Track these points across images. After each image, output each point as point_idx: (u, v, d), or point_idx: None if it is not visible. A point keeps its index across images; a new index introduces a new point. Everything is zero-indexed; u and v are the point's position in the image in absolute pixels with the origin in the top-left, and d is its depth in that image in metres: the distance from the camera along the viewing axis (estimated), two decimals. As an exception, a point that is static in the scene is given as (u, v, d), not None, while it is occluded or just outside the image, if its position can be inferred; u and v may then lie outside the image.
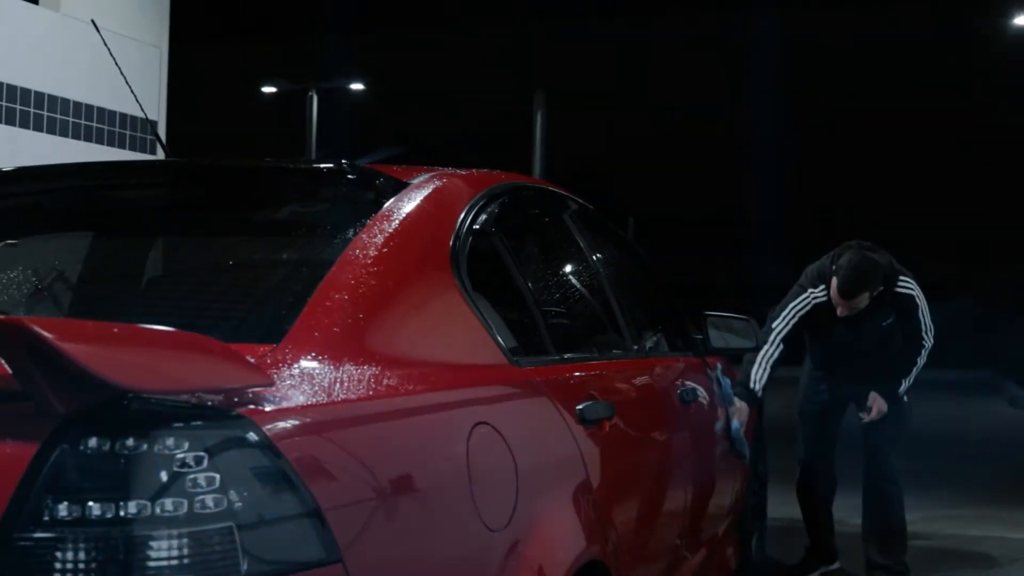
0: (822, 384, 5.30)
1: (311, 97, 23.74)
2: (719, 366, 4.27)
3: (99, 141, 7.33)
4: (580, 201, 3.62)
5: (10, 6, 6.69)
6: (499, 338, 2.40)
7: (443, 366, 2.17)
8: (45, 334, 1.42)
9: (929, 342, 5.09)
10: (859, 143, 35.30)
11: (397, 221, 2.32)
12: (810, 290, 5.03)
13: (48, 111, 6.92)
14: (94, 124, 7.28)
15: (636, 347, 3.41)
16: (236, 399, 1.64)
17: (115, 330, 1.57)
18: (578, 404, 2.57)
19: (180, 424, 1.56)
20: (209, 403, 1.61)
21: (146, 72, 7.74)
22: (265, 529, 1.58)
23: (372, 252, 2.19)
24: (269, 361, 1.80)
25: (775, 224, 33.80)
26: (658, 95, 34.82)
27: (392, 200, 2.40)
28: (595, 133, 34.26)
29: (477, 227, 2.57)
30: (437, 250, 2.38)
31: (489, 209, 2.69)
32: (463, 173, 2.83)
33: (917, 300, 5.02)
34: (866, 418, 5.13)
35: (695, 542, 3.66)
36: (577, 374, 2.76)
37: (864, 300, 4.86)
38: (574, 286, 3.27)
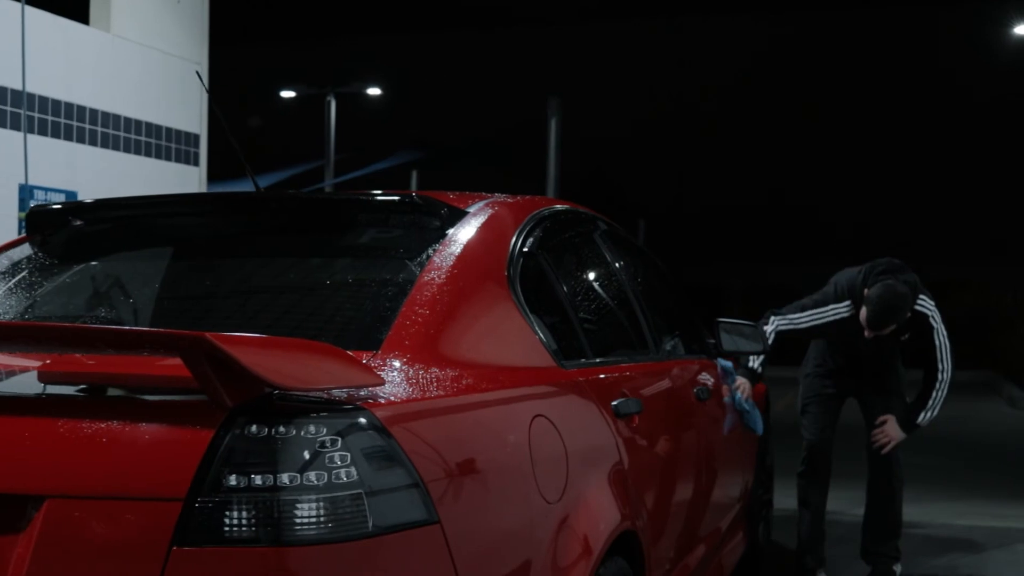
0: (827, 380, 5.52)
1: (329, 101, 24.16)
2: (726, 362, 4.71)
3: (147, 154, 7.79)
4: (607, 220, 4.08)
5: (64, 28, 7.16)
6: (547, 344, 2.86)
7: (505, 368, 2.63)
8: (221, 345, 1.87)
9: (943, 376, 5.19)
10: (868, 144, 35.57)
11: (461, 246, 2.78)
12: (833, 305, 5.17)
13: (101, 127, 7.37)
14: (143, 138, 7.73)
15: (658, 351, 3.86)
16: (357, 394, 2.10)
17: (269, 341, 2.03)
18: (613, 401, 3.03)
19: (317, 414, 2.01)
20: (338, 398, 2.06)
21: (188, 88, 8.20)
22: (384, 495, 2.02)
23: (444, 274, 2.64)
24: (374, 364, 2.26)
25: (786, 228, 34.15)
26: (670, 96, 35.17)
27: (455, 228, 2.86)
28: (608, 134, 34.60)
29: (526, 249, 3.03)
30: (495, 270, 2.84)
31: (535, 233, 3.15)
32: (511, 201, 3.28)
33: (932, 320, 5.13)
34: (878, 438, 5.29)
35: (709, 521, 4.12)
36: (611, 375, 3.21)
37: (891, 327, 5.03)
38: (605, 297, 3.73)
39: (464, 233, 2.85)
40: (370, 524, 1.99)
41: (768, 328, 5.18)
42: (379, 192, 3.00)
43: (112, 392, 2.16)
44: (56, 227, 3.22)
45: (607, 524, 2.73)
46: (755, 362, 5.07)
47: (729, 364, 4.75)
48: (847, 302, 5.13)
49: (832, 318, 5.17)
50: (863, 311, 5.01)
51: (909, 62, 35.07)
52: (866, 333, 5.04)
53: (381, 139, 30.25)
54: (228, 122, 3.27)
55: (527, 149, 19.80)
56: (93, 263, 3.12)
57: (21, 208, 6.77)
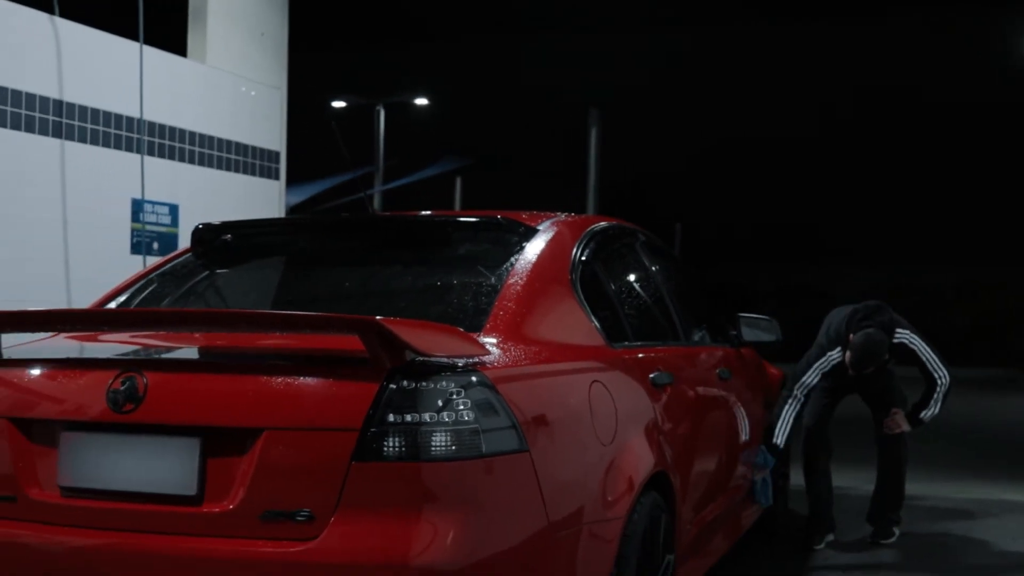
0: (826, 381, 6.19)
1: (378, 112, 25.16)
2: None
3: (236, 170, 8.78)
4: (646, 232, 5.01)
5: (169, 61, 8.15)
6: (600, 330, 3.77)
7: (570, 346, 3.55)
8: (386, 325, 2.79)
9: (942, 381, 5.97)
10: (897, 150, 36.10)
11: (536, 256, 3.71)
12: (828, 353, 6.03)
13: (199, 147, 8.36)
14: (232, 156, 8.72)
15: (687, 338, 4.78)
16: (472, 361, 3.01)
17: (414, 323, 2.95)
18: (650, 374, 3.95)
19: (447, 373, 2.93)
20: (460, 363, 2.98)
21: (271, 111, 9.20)
22: (491, 431, 2.93)
23: (523, 277, 3.57)
24: (480, 340, 3.18)
25: (816, 232, 34.78)
26: (709, 104, 35.88)
27: (530, 242, 3.79)
28: (648, 143, 35.34)
29: (583, 258, 3.95)
30: (561, 274, 3.76)
31: (590, 245, 4.08)
32: (570, 220, 4.20)
33: (910, 345, 5.95)
34: (889, 427, 6.12)
35: (729, 479, 5.03)
36: (648, 354, 4.12)
37: (871, 369, 5.92)
38: (643, 294, 4.65)
39: (537, 246, 3.78)
40: (483, 449, 2.90)
41: (795, 391, 6.01)
42: (474, 214, 3.95)
43: (307, 357, 3.09)
44: (215, 240, 4.18)
45: (645, 464, 3.64)
46: (780, 438, 5.95)
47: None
48: (838, 348, 6.00)
49: (831, 365, 6.04)
50: (847, 355, 5.90)
51: (956, 66, 35.53)
52: (849, 371, 5.95)
53: (425, 146, 31.21)
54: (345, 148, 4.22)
55: (568, 156, 20.65)
56: (256, 268, 4.09)
57: (134, 219, 7.76)
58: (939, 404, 6.04)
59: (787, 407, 5.97)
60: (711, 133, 36.24)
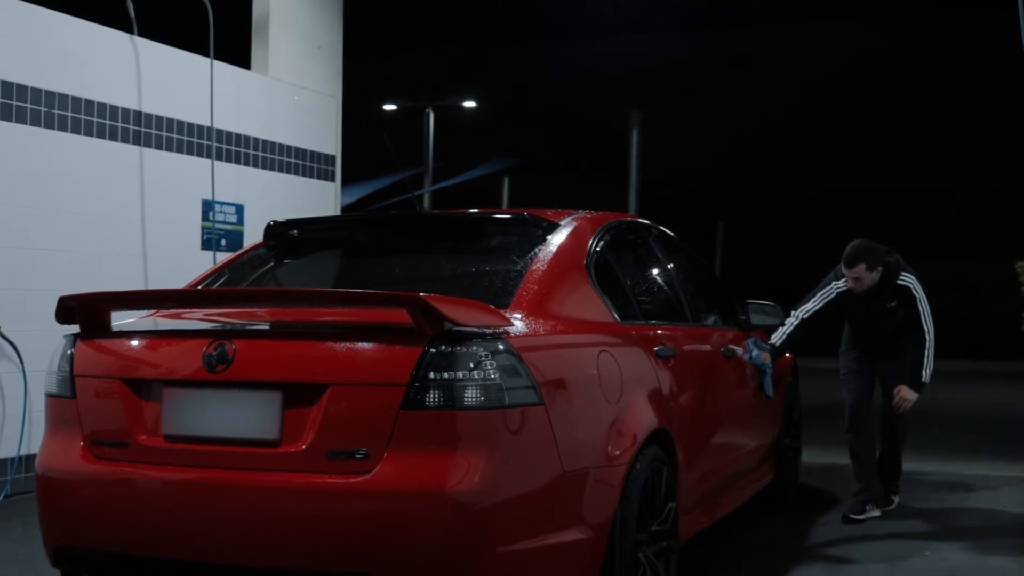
0: (853, 353, 6.94)
1: (428, 113, 25.91)
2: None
3: (295, 173, 9.53)
4: (660, 227, 5.68)
5: (235, 74, 8.92)
6: (610, 308, 4.45)
7: (582, 321, 4.23)
8: (428, 300, 3.48)
9: (929, 335, 6.47)
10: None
11: (556, 247, 4.39)
12: (833, 283, 6.67)
13: (262, 152, 9.11)
14: (292, 160, 9.47)
15: (693, 320, 5.45)
16: (499, 331, 3.70)
17: (451, 299, 3.64)
18: (655, 347, 4.62)
19: (478, 340, 3.61)
20: (488, 332, 3.66)
21: (327, 118, 9.95)
22: (513, 388, 3.61)
23: (544, 264, 4.25)
24: (505, 315, 3.86)
25: (863, 231, 34.99)
26: (752, 102, 36.29)
27: (552, 234, 4.48)
28: (691, 143, 35.80)
29: (598, 249, 4.63)
30: (577, 262, 4.44)
31: (605, 238, 4.76)
32: (589, 216, 4.87)
33: (914, 291, 6.52)
34: (895, 401, 6.60)
35: (730, 444, 5.68)
36: (654, 331, 4.79)
37: (863, 273, 6.40)
38: (652, 280, 5.32)
39: (558, 238, 4.47)
40: (506, 401, 3.58)
41: (794, 312, 6.69)
42: (505, 211, 4.65)
43: (363, 326, 3.78)
44: (284, 234, 4.91)
45: (647, 421, 4.32)
46: (778, 341, 6.59)
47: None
48: (843, 279, 6.59)
49: (834, 294, 6.64)
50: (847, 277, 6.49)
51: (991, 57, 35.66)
52: (850, 284, 6.49)
53: (474, 147, 31.94)
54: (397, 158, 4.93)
55: (612, 155, 21.27)
56: (319, 257, 4.83)
57: (204, 218, 8.53)
58: (932, 362, 6.51)
59: (788, 322, 6.60)
60: (759, 135, 36.63)
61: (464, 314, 3.61)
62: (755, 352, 6.08)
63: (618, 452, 4.06)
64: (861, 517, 6.64)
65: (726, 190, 36.06)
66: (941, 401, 13.80)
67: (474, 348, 3.58)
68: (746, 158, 36.96)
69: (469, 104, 28.01)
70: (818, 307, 6.71)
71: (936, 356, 6.59)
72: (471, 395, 3.54)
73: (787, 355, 7.16)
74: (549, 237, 4.48)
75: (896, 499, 6.99)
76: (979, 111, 35.72)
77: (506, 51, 35.47)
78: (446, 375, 3.54)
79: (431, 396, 3.53)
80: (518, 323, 3.84)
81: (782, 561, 5.57)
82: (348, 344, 3.65)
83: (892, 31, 35.91)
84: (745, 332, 6.20)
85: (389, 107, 27.65)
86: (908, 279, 6.60)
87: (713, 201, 33.09)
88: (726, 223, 27.65)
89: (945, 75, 35.93)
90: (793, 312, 6.69)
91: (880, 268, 6.50)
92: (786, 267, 34.49)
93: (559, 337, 4.01)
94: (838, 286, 6.69)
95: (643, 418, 4.31)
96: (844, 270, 6.53)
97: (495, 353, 3.60)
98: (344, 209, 12.65)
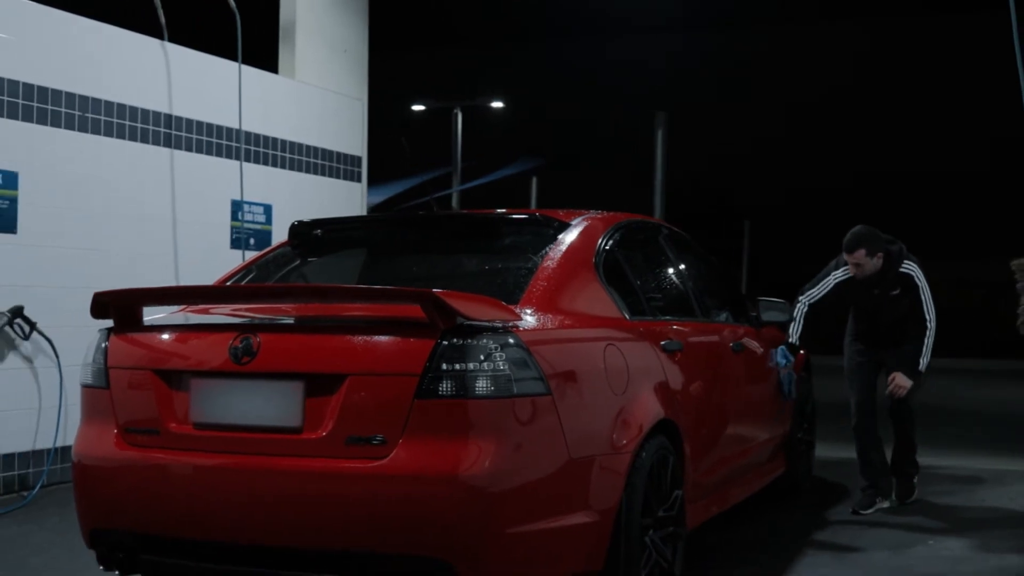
0: (857, 345, 7.07)
1: (456, 114, 26.14)
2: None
3: (322, 174, 9.76)
4: (670, 227, 5.87)
5: (263, 78, 9.16)
6: (618, 305, 4.64)
7: (590, 316, 4.42)
8: (440, 296, 3.69)
9: (931, 324, 6.57)
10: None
11: (566, 245, 4.59)
12: (834, 271, 6.83)
13: (289, 153, 9.35)
14: (319, 161, 9.71)
15: (702, 316, 5.63)
16: (509, 325, 3.90)
17: (462, 295, 3.84)
18: (662, 341, 4.81)
19: (488, 333, 3.81)
20: (498, 326, 3.87)
21: (353, 120, 10.18)
22: (522, 379, 3.80)
23: (555, 262, 4.45)
24: (515, 310, 4.06)
25: (892, 229, 34.91)
26: (778, 101, 36.29)
27: (563, 233, 4.68)
28: (718, 140, 35.86)
29: (607, 247, 4.83)
30: (587, 260, 4.64)
31: (614, 237, 4.95)
32: (599, 216, 5.07)
33: (916, 280, 6.63)
34: (889, 388, 6.74)
35: (739, 435, 5.85)
36: (661, 327, 4.98)
37: (863, 258, 6.52)
38: (661, 277, 5.51)
39: (569, 237, 4.67)
40: (515, 391, 3.78)
41: (800, 298, 6.89)
42: (518, 212, 4.85)
43: (380, 320, 3.99)
44: (308, 233, 5.14)
45: (653, 411, 4.51)
46: (794, 336, 6.79)
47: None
48: (844, 267, 6.76)
49: (835, 281, 6.80)
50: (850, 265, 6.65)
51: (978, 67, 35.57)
52: (852, 271, 6.64)
53: (501, 148, 32.13)
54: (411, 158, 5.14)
55: (638, 155, 21.41)
56: (341, 256, 5.06)
57: (233, 217, 8.78)
58: (930, 352, 6.62)
59: (797, 313, 6.75)
60: (789, 137, 36.65)
61: (475, 309, 3.82)
62: (781, 361, 6.30)
63: (624, 441, 4.25)
64: (870, 511, 6.77)
65: (753, 190, 36.09)
66: (967, 399, 13.88)
67: (484, 341, 3.77)
68: (773, 157, 36.97)
69: (497, 104, 28.26)
70: (823, 293, 6.87)
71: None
72: (482, 385, 3.74)
73: (800, 351, 7.32)
74: (560, 236, 4.68)
75: (917, 479, 7.08)
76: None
77: (536, 51, 35.68)
78: (458, 366, 3.73)
79: (444, 386, 3.73)
80: (527, 318, 4.04)
81: (789, 549, 5.75)
82: (366, 337, 3.86)
83: (917, 29, 35.84)
84: (756, 329, 6.37)
85: (417, 108, 27.93)
86: (911, 267, 6.70)
87: (739, 201, 33.15)
88: (752, 223, 27.75)
89: (974, 72, 35.83)
90: (799, 298, 6.84)
91: (881, 255, 6.61)
92: (815, 266, 34.56)
93: (567, 331, 4.21)
94: (839, 275, 6.83)
95: (649, 409, 4.50)
96: (845, 256, 6.66)
97: (504, 346, 3.79)
98: (372, 209, 12.90)
